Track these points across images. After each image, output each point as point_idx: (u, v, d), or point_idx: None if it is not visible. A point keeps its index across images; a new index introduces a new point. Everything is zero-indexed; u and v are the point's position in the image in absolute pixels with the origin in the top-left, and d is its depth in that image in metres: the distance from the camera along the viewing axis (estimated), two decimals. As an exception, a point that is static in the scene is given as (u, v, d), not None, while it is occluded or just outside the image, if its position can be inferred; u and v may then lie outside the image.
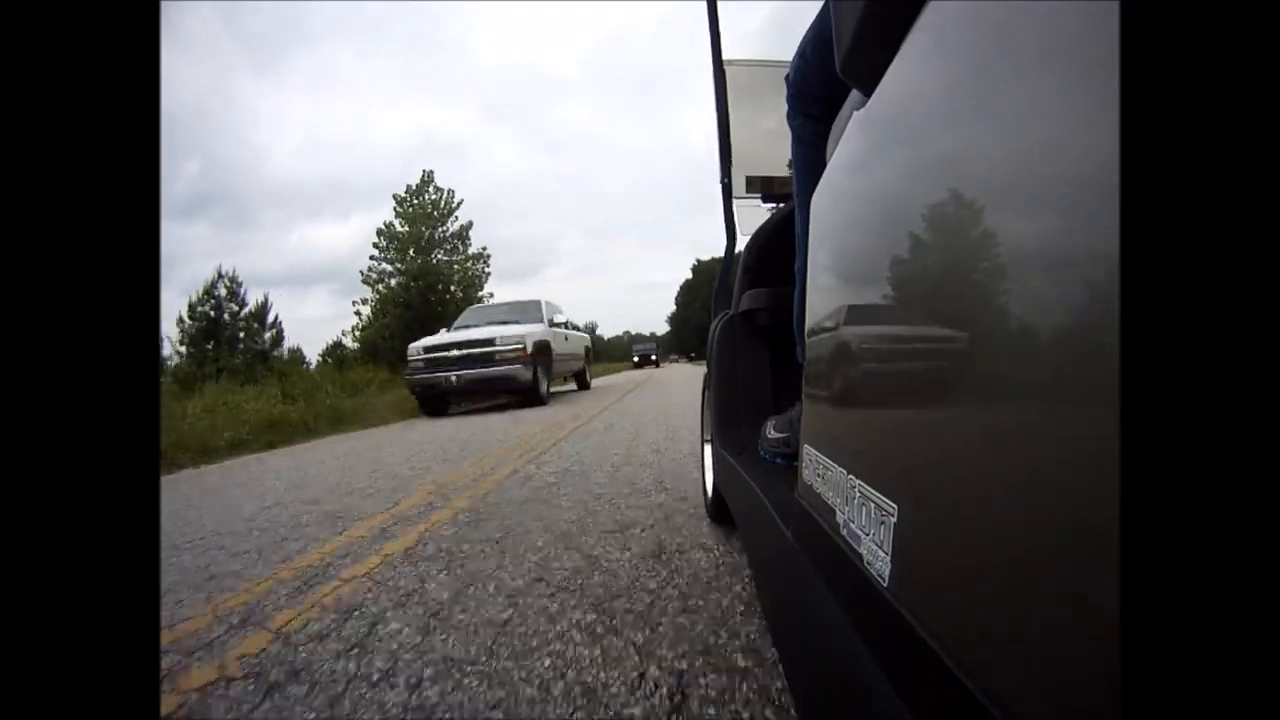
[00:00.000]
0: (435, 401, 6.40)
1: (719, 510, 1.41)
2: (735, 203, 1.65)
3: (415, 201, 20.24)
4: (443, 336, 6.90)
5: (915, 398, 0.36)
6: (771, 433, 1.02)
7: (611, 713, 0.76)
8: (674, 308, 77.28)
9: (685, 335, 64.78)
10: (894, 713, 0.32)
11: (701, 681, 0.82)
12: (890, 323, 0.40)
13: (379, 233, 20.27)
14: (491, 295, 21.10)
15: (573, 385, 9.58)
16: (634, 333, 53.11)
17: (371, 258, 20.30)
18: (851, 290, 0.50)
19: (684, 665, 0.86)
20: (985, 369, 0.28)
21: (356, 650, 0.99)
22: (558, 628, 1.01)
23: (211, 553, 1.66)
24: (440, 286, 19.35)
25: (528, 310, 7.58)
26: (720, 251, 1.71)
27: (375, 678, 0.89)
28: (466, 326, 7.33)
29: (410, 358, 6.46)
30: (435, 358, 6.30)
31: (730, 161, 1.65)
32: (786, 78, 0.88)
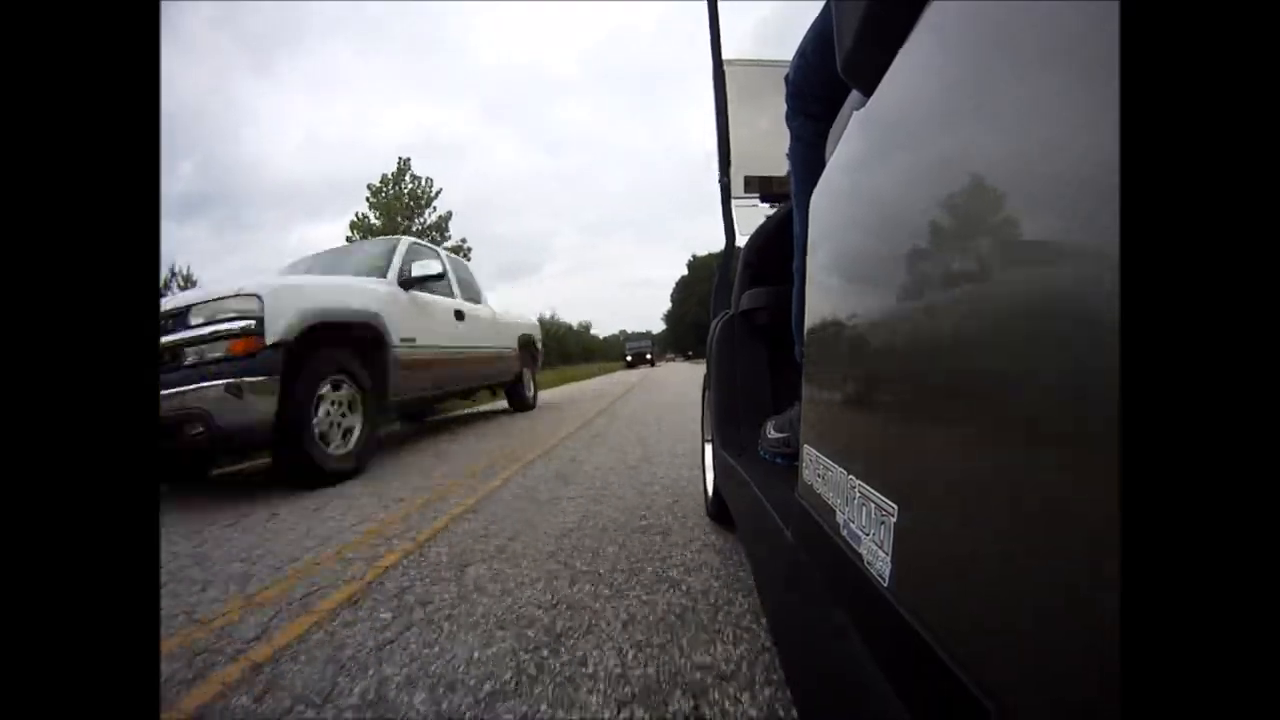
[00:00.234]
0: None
1: (719, 510, 1.41)
2: (734, 202, 1.65)
3: (392, 190, 18.81)
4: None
5: (915, 398, 0.36)
6: (771, 433, 1.02)
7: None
8: (669, 305, 74.75)
9: (681, 333, 63.18)
10: (894, 713, 0.32)
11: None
12: (890, 322, 0.40)
13: (352, 225, 18.47)
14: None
15: (501, 403, 5.79)
16: (630, 331, 49.76)
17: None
18: (851, 290, 0.50)
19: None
20: (985, 369, 0.28)
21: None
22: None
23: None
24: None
25: (369, 256, 3.53)
26: (716, 248, 1.71)
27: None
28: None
29: None
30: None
31: (729, 161, 1.65)
32: (786, 77, 0.88)
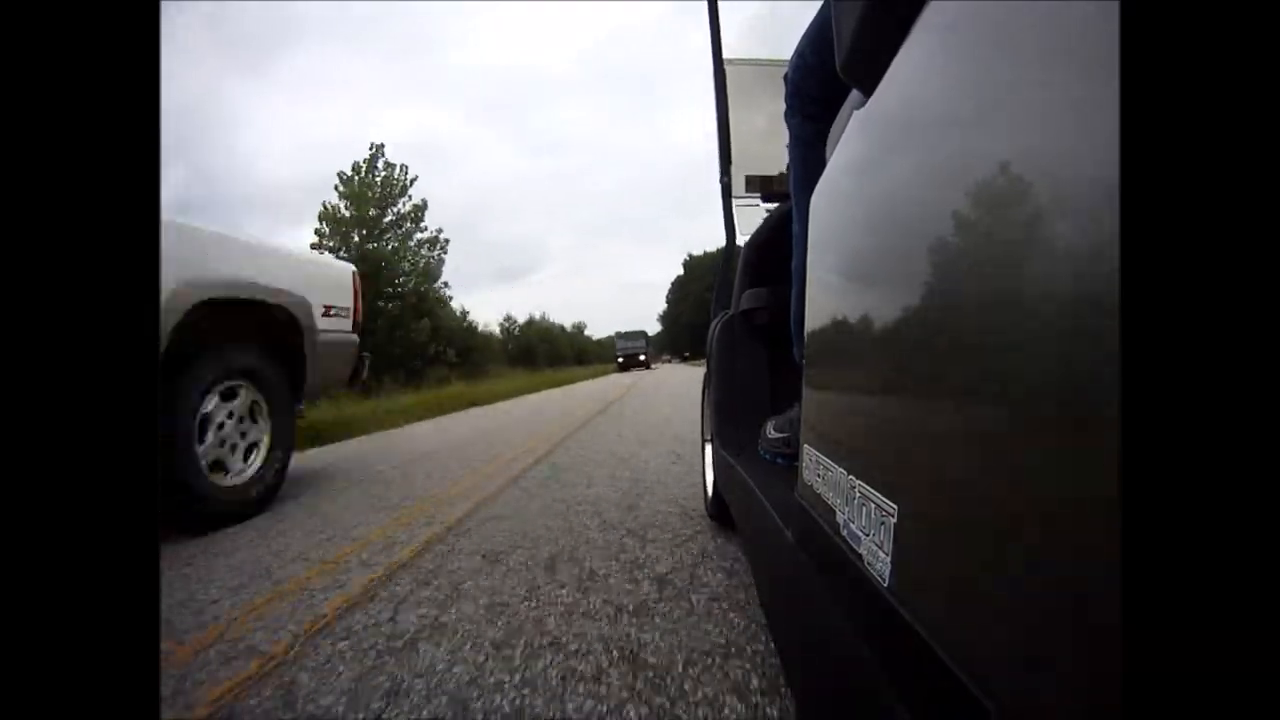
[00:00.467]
0: None
1: (719, 510, 1.41)
2: (734, 202, 1.65)
3: (365, 179, 17.21)
4: None
5: (915, 397, 0.36)
6: (771, 433, 1.02)
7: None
8: (665, 305, 71.66)
9: (677, 334, 60.77)
10: (894, 713, 0.32)
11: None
12: (889, 322, 0.40)
13: (320, 216, 16.80)
14: (446, 285, 18.42)
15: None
16: (622, 330, 42.17)
17: (312, 246, 15.86)
18: (850, 290, 0.50)
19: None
20: (985, 369, 0.28)
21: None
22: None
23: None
24: (384, 277, 16.20)
25: None
26: (713, 247, 1.71)
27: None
28: None
29: None
30: None
31: (730, 161, 1.65)
32: (785, 77, 0.88)
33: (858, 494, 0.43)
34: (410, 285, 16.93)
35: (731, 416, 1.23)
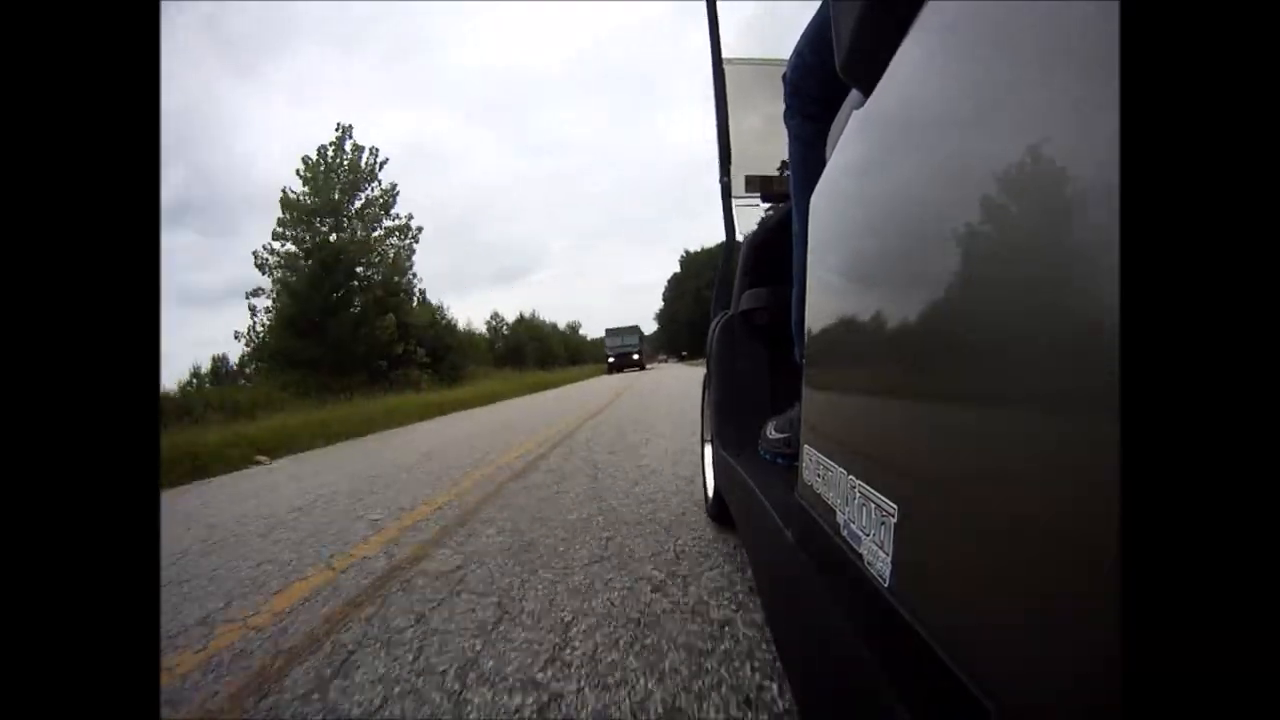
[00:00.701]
0: None
1: (719, 510, 1.41)
2: (734, 202, 1.65)
3: (333, 162, 15.62)
4: None
5: (915, 398, 0.36)
6: (771, 433, 1.02)
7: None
8: (662, 304, 68.21)
9: (675, 332, 58.23)
10: (894, 713, 0.32)
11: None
12: (889, 322, 0.40)
13: (281, 202, 15.07)
14: (419, 278, 16.88)
15: None
16: (612, 326, 36.20)
17: (274, 234, 14.81)
18: (850, 290, 0.50)
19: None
20: (985, 369, 0.28)
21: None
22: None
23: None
24: (343, 267, 14.42)
25: None
26: (710, 243, 1.71)
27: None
28: None
29: None
30: None
31: (729, 161, 1.64)
32: (784, 77, 0.88)
33: (858, 494, 0.43)
34: (378, 279, 15.31)
35: (731, 417, 1.23)
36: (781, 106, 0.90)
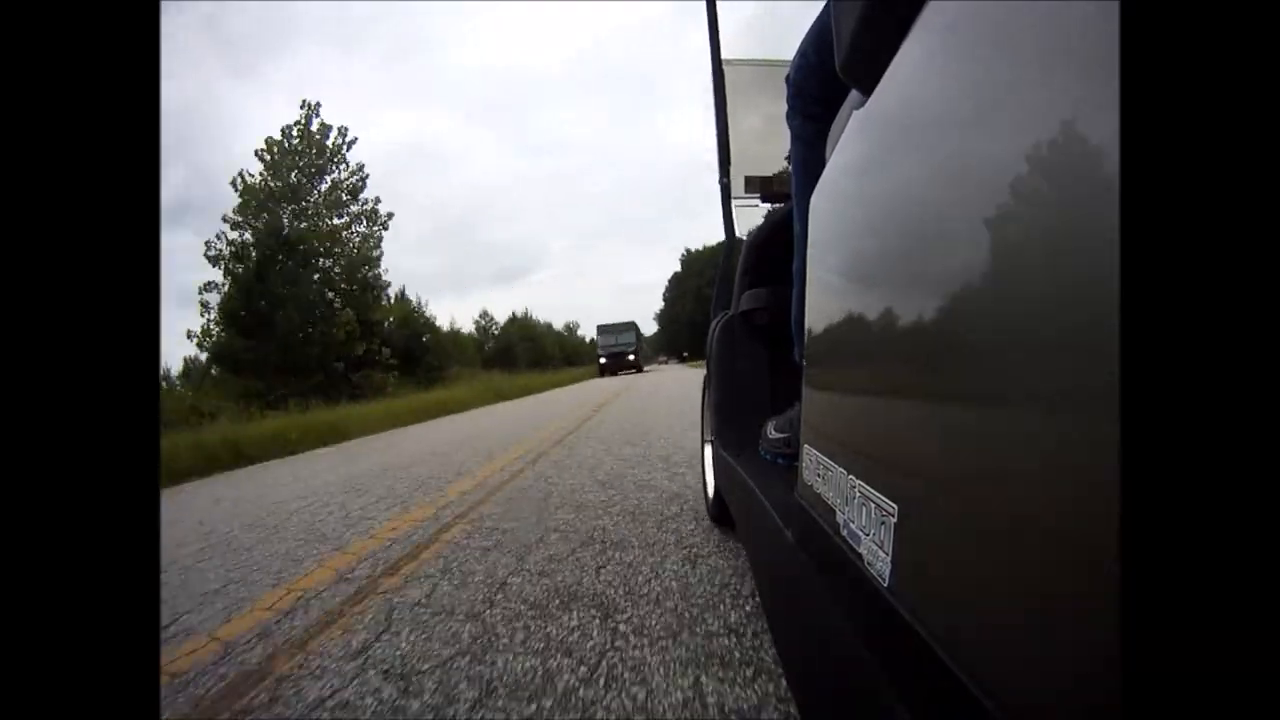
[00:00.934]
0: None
1: (719, 511, 1.41)
2: (734, 202, 1.65)
3: (296, 143, 13.67)
4: None
5: (915, 398, 0.36)
6: (772, 433, 1.02)
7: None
8: (662, 305, 65.82)
9: (675, 333, 56.42)
10: (894, 713, 0.32)
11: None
12: (889, 322, 0.40)
13: (234, 183, 13.11)
14: (385, 270, 14.55)
15: None
16: (606, 322, 31.74)
17: (225, 219, 12.79)
18: (850, 290, 0.50)
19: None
20: (985, 369, 0.28)
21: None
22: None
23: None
24: (298, 256, 12.57)
25: None
26: (713, 241, 1.71)
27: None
28: None
29: None
30: None
31: (729, 161, 1.65)
32: (787, 78, 0.88)
33: (858, 494, 0.43)
34: (339, 271, 13.43)
35: (731, 417, 1.23)
36: (782, 107, 0.90)
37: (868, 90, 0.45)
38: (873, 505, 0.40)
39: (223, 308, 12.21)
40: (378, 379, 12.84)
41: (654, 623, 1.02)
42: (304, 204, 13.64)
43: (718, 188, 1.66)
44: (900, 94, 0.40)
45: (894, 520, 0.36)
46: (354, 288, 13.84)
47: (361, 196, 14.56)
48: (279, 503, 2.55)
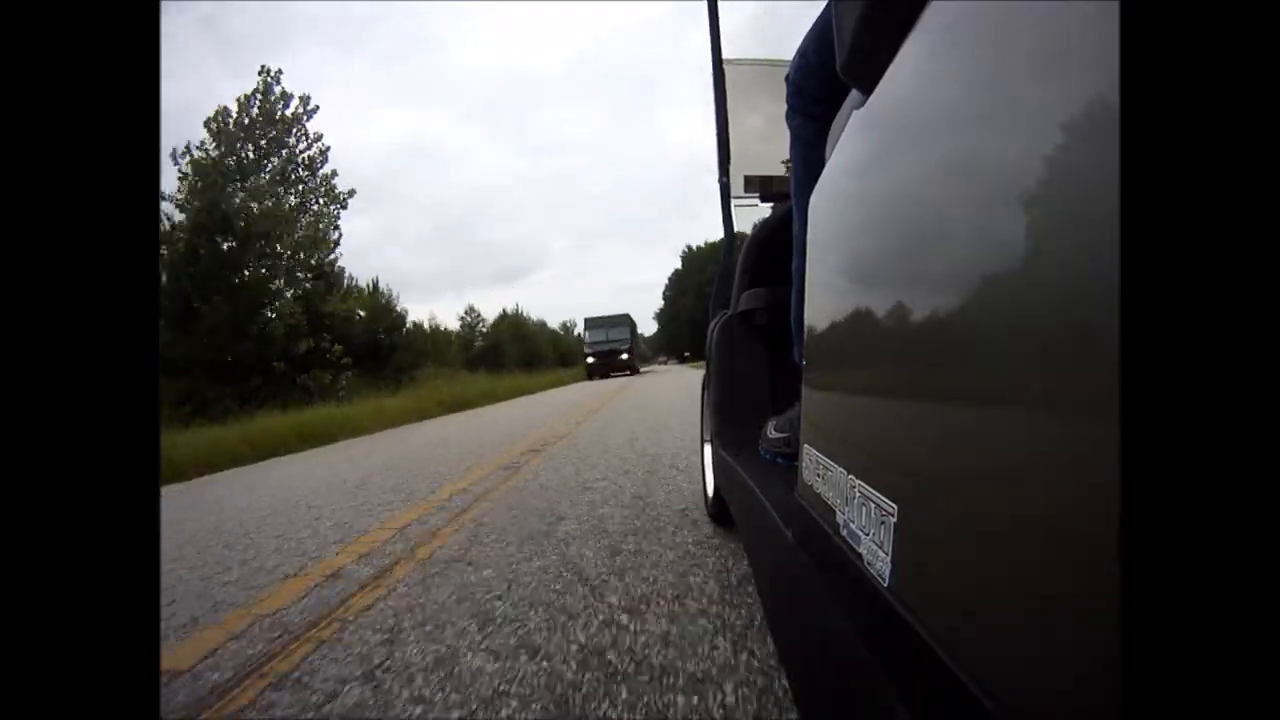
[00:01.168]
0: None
1: (719, 510, 1.41)
2: (734, 202, 1.65)
3: (252, 116, 11.74)
4: None
5: (915, 398, 0.36)
6: (772, 433, 1.02)
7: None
8: (661, 304, 63.06)
9: (676, 331, 53.80)
10: (894, 713, 0.32)
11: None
12: (889, 322, 0.40)
13: (175, 156, 11.05)
14: (340, 254, 12.18)
15: None
16: (595, 315, 24.57)
17: (178, 204, 10.72)
18: (850, 290, 0.50)
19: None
20: (985, 369, 0.28)
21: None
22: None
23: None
24: (237, 237, 10.54)
25: None
26: (714, 238, 1.71)
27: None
28: None
29: None
30: None
31: (729, 161, 1.65)
32: (787, 77, 0.88)
33: (858, 494, 0.43)
34: (288, 258, 11.30)
35: (731, 417, 1.23)
36: (782, 107, 0.90)
37: (868, 90, 0.45)
38: (873, 505, 0.40)
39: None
40: (324, 380, 10.67)
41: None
42: (254, 180, 11.41)
43: (717, 187, 1.67)
44: (901, 94, 0.40)
45: (894, 520, 0.36)
46: (307, 275, 11.68)
47: (322, 173, 12.32)
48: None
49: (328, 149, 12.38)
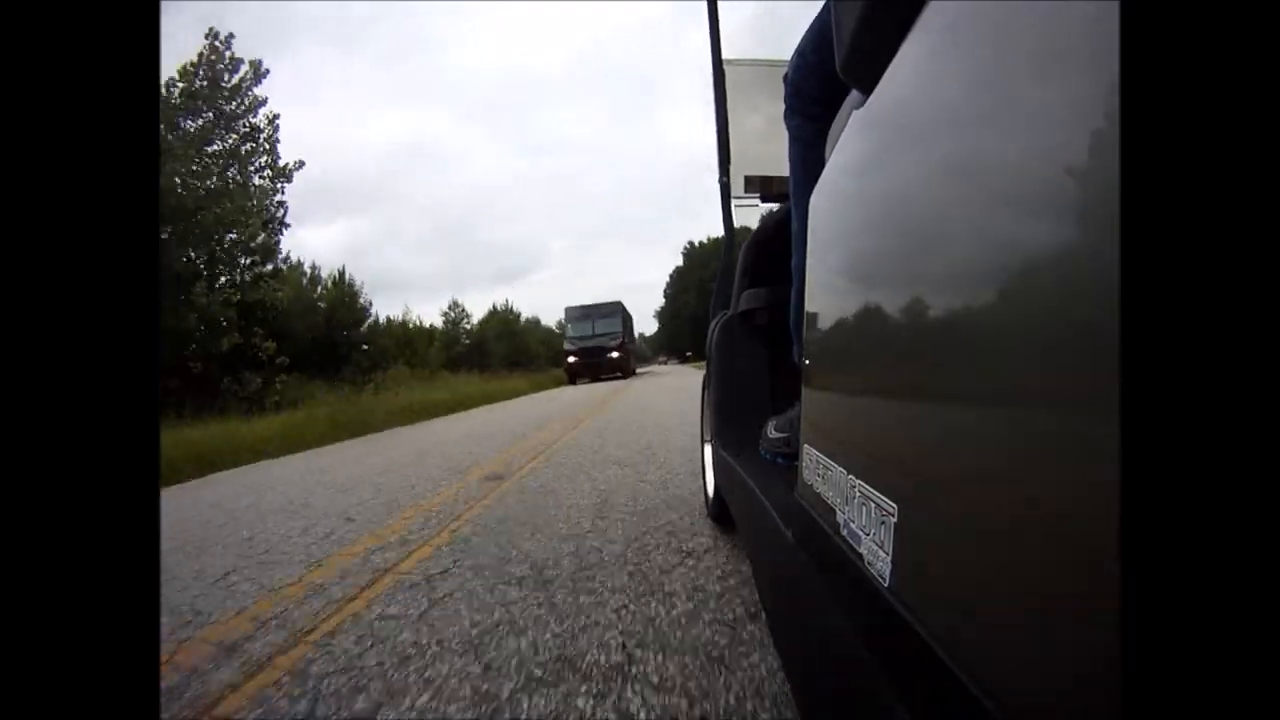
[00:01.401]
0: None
1: (719, 510, 1.41)
2: (734, 202, 1.65)
3: (197, 87, 9.22)
4: None
5: (915, 398, 0.36)
6: (772, 432, 1.02)
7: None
8: (663, 301, 60.79)
9: (677, 330, 52.33)
10: (894, 713, 0.32)
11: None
12: (888, 322, 0.40)
13: None
14: (283, 232, 9.81)
15: None
16: (577, 304, 19.49)
17: None
18: (849, 290, 0.50)
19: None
20: (984, 369, 0.28)
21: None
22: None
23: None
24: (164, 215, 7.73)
25: None
26: (715, 235, 1.72)
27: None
28: None
29: None
30: None
31: (729, 161, 1.65)
32: (785, 77, 0.88)
33: (858, 494, 0.43)
34: (217, 236, 8.83)
35: (731, 417, 1.23)
36: (782, 107, 0.90)
37: (868, 90, 0.45)
38: (873, 505, 0.40)
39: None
40: (257, 384, 8.74)
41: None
42: (185, 151, 8.73)
43: (718, 187, 1.67)
44: (900, 94, 0.40)
45: (894, 520, 0.36)
46: (247, 259, 9.61)
47: (261, 133, 9.88)
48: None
49: (276, 117, 9.89)
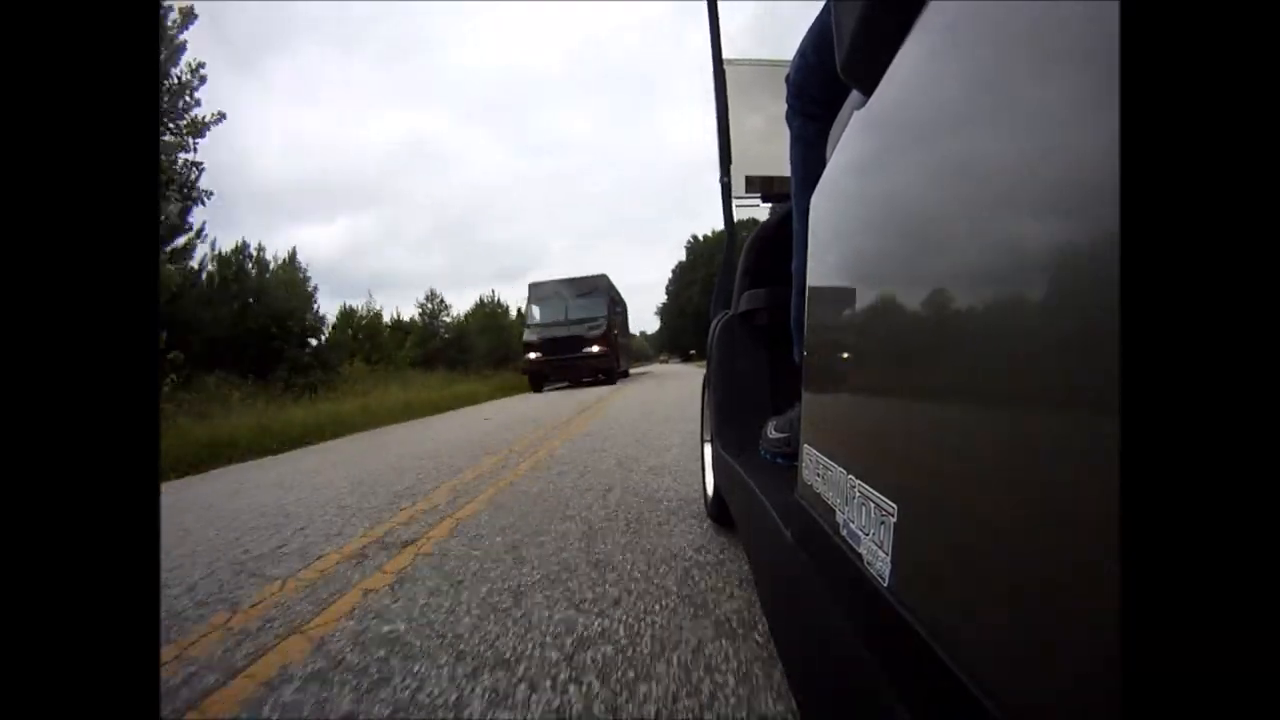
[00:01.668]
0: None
1: (719, 510, 1.41)
2: (735, 202, 1.65)
3: None
4: None
5: (915, 398, 0.36)
6: (772, 433, 1.02)
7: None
8: (665, 298, 59.55)
9: (679, 328, 51.20)
10: (894, 713, 0.32)
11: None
12: (889, 322, 0.40)
13: None
14: (204, 202, 7.92)
15: None
16: (544, 278, 14.95)
17: None
18: (850, 290, 0.50)
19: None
20: (985, 369, 0.28)
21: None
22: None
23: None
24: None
25: None
26: (719, 229, 1.72)
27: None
28: None
29: None
30: None
31: (730, 161, 1.65)
32: (787, 78, 0.88)
33: (858, 494, 0.43)
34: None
35: (731, 417, 1.23)
36: (783, 107, 0.90)
37: (868, 90, 0.45)
38: (873, 505, 0.40)
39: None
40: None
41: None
42: None
43: (718, 187, 1.67)
44: (901, 94, 0.40)
45: (894, 520, 0.36)
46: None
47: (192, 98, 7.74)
48: None
49: (201, 65, 7.99)
